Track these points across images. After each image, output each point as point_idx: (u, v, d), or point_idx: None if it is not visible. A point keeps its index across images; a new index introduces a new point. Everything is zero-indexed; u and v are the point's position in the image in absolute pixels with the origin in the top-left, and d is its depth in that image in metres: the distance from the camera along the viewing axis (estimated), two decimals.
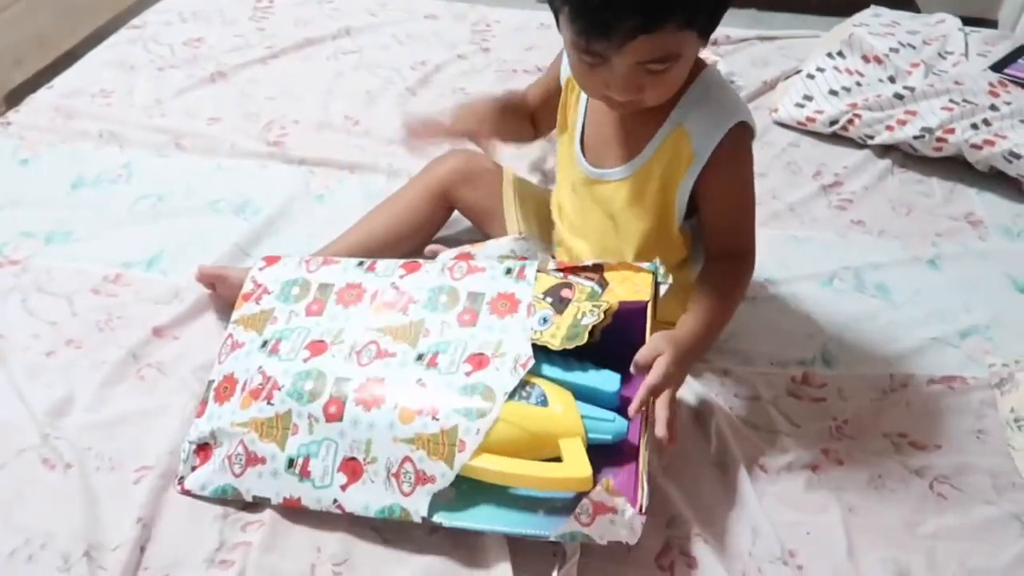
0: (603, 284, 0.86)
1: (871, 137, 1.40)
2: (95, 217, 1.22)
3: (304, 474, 0.80)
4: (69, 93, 1.50)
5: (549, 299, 0.85)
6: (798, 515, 0.86)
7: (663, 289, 0.85)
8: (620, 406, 0.81)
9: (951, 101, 1.35)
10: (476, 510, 0.77)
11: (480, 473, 0.76)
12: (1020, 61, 1.46)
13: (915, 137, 1.34)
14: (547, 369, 0.82)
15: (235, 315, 0.96)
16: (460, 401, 0.78)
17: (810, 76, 1.47)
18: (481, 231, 1.13)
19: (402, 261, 0.94)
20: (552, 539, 0.74)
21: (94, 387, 0.95)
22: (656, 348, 0.79)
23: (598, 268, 0.88)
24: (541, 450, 0.77)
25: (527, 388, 0.79)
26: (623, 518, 0.71)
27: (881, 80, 1.43)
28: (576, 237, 1.02)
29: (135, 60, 1.61)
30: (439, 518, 0.76)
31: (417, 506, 0.76)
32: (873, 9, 1.64)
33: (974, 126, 1.31)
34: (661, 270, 0.85)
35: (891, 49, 1.46)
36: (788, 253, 1.19)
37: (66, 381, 0.96)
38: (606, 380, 0.83)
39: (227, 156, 1.35)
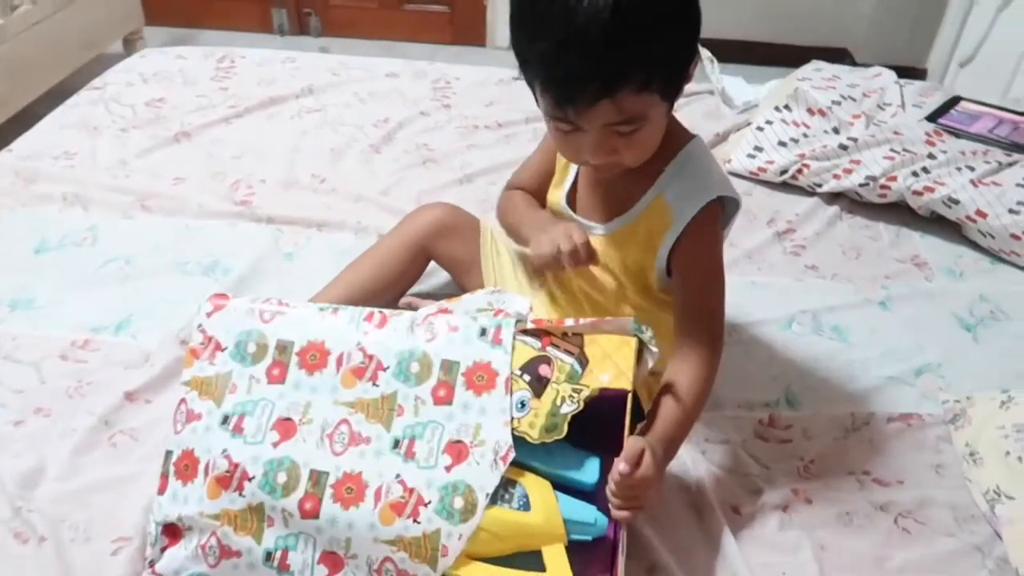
0: (583, 361, 0.81)
1: (819, 185, 1.47)
2: (60, 281, 1.21)
3: (283, 567, 0.78)
4: (29, 155, 1.50)
5: (527, 377, 0.80)
6: (773, 556, 0.88)
7: (649, 360, 0.82)
8: (598, 489, 0.80)
9: (892, 150, 1.43)
10: None
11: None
12: (952, 112, 1.55)
13: (860, 185, 1.42)
14: (526, 454, 0.78)
15: (186, 374, 0.86)
16: (441, 502, 0.76)
17: (760, 128, 1.54)
18: (458, 283, 1.16)
19: (367, 311, 0.86)
20: None
21: (65, 456, 0.94)
22: (640, 461, 0.77)
23: (578, 337, 0.82)
24: (522, 549, 0.77)
25: (509, 489, 0.77)
26: None
27: (826, 131, 1.51)
28: (559, 287, 1.05)
29: (97, 121, 1.62)
30: None
31: None
32: (814, 64, 1.73)
33: (915, 173, 1.39)
34: (648, 334, 0.81)
35: (833, 102, 1.55)
36: (748, 299, 1.24)
37: (36, 451, 0.94)
38: (586, 470, 0.81)
39: (194, 216, 1.36)
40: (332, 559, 0.77)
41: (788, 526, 0.92)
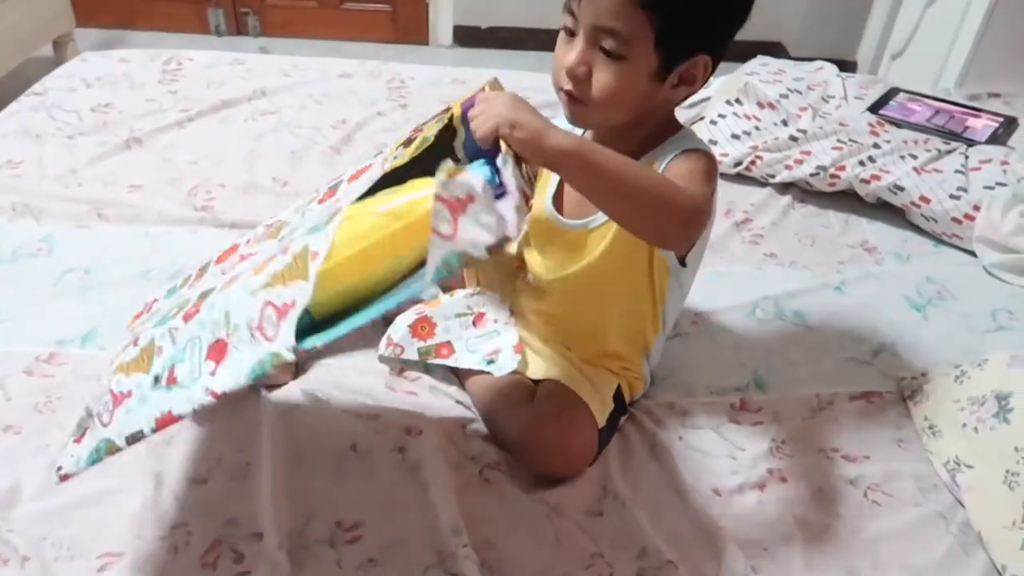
0: (446, 111, 0.84)
1: (772, 176, 1.52)
2: (18, 295, 1.17)
3: (171, 382, 0.72)
4: None
5: (401, 148, 0.82)
6: (755, 533, 0.92)
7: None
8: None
9: (839, 141, 1.49)
10: (345, 321, 0.69)
11: (340, 270, 0.69)
12: (891, 103, 1.63)
13: (811, 175, 1.48)
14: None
15: (112, 369, 0.82)
16: (310, 231, 0.73)
17: (713, 122, 1.58)
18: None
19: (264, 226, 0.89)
20: (431, 283, 0.64)
21: (40, 473, 0.91)
22: (488, 103, 0.78)
23: (444, 111, 0.84)
24: (400, 251, 0.70)
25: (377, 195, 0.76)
26: (485, 203, 0.63)
27: (776, 124, 1.56)
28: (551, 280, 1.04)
29: (41, 128, 1.56)
30: (311, 342, 0.68)
31: (284, 342, 0.67)
32: (760, 59, 1.79)
33: (861, 163, 1.46)
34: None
35: (781, 95, 1.60)
36: (713, 287, 1.27)
37: (9, 470, 0.91)
38: (474, 170, 0.72)
39: (154, 224, 1.33)
40: (216, 347, 0.71)
41: (766, 504, 0.95)
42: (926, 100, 1.65)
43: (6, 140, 1.52)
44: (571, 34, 0.87)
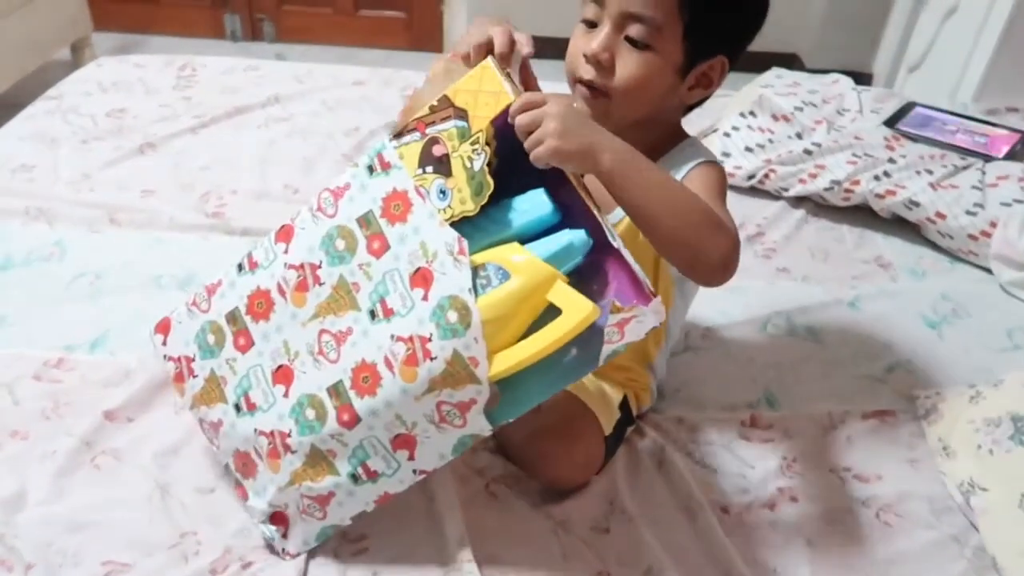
0: (462, 115, 0.77)
1: (786, 189, 1.51)
2: (29, 299, 1.17)
3: (372, 476, 0.80)
4: None
5: (430, 168, 0.77)
6: (764, 554, 0.90)
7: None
8: (563, 214, 0.78)
9: (854, 155, 1.48)
10: (523, 393, 0.76)
11: (506, 373, 0.74)
12: (907, 117, 1.61)
13: (825, 189, 1.46)
14: (477, 237, 0.76)
15: (186, 401, 0.91)
16: (439, 327, 0.74)
17: (726, 134, 1.57)
18: None
19: (273, 234, 0.86)
20: (601, 364, 0.74)
21: (47, 479, 0.91)
22: (539, 110, 0.74)
23: (444, 99, 0.78)
24: (535, 314, 0.75)
25: (482, 274, 0.75)
26: (645, 315, 0.71)
27: (790, 137, 1.55)
28: None
29: (56, 133, 1.57)
30: (501, 418, 0.77)
31: (479, 427, 0.76)
32: (775, 71, 1.78)
33: (876, 178, 1.44)
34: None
35: (796, 108, 1.59)
36: (724, 301, 1.26)
37: (16, 475, 0.91)
38: (535, 204, 0.78)
39: (166, 229, 1.33)
40: (402, 440, 0.78)
41: (777, 524, 0.94)
42: (943, 114, 1.64)
43: (21, 144, 1.53)
44: (591, 25, 0.87)
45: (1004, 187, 1.41)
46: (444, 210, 0.76)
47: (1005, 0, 2.04)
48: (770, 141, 1.55)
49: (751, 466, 1.01)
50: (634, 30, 0.83)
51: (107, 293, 1.19)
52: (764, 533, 0.93)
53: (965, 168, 1.46)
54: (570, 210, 0.77)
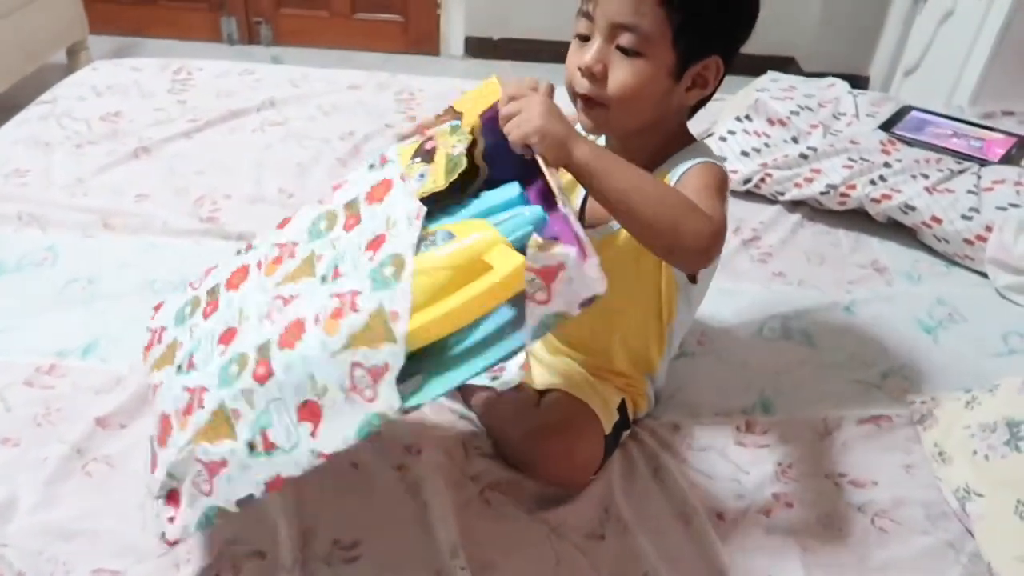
0: (458, 116, 0.83)
1: (781, 194, 1.51)
2: (21, 305, 1.17)
3: (269, 447, 0.72)
4: None
5: (418, 159, 0.81)
6: (759, 560, 0.90)
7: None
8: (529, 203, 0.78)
9: (850, 159, 1.48)
10: (445, 376, 0.71)
11: (426, 332, 0.69)
12: (903, 121, 1.61)
13: (821, 193, 1.46)
14: (446, 220, 0.78)
15: (146, 368, 0.90)
16: (373, 281, 0.72)
17: (723, 139, 1.57)
18: None
19: (277, 226, 0.90)
20: (529, 343, 0.68)
21: (38, 487, 0.90)
22: (524, 100, 0.77)
23: (449, 110, 0.85)
24: (472, 279, 0.71)
25: (430, 239, 0.74)
26: (575, 269, 0.65)
27: (786, 141, 1.55)
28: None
29: (49, 137, 1.56)
30: (415, 400, 0.70)
31: (389, 402, 0.69)
32: (770, 75, 1.78)
33: (872, 182, 1.44)
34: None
35: (792, 112, 1.59)
36: (719, 306, 1.26)
37: (6, 483, 0.91)
38: (504, 192, 0.79)
39: (159, 234, 1.33)
40: (309, 409, 0.72)
41: (772, 530, 0.94)
42: (938, 118, 1.64)
43: (15, 148, 1.53)
44: (585, 39, 0.88)
45: (1000, 191, 1.40)
46: (417, 190, 0.79)
47: (1001, 4, 2.04)
48: (766, 145, 1.55)
49: (746, 472, 1.01)
50: (624, 39, 0.84)
51: (100, 299, 1.19)
52: (759, 539, 0.92)
53: (961, 172, 1.46)
54: (540, 203, 0.77)
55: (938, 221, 1.38)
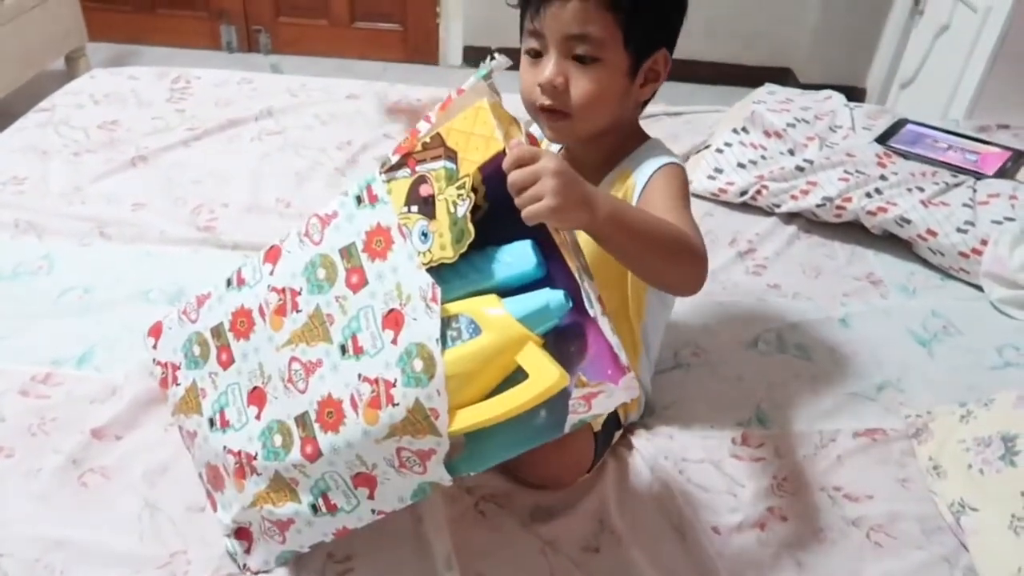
0: (452, 155, 0.76)
1: (778, 206, 1.51)
2: (16, 313, 1.17)
3: (331, 509, 0.79)
4: None
5: (415, 208, 0.77)
6: (753, 574, 0.90)
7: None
8: (547, 269, 0.78)
9: (846, 172, 1.48)
10: (488, 449, 0.76)
11: (466, 429, 0.73)
12: (899, 134, 1.62)
13: (817, 205, 1.47)
14: (457, 284, 0.76)
15: (169, 408, 0.94)
16: (404, 374, 0.73)
17: (719, 151, 1.58)
18: None
19: (262, 254, 0.87)
20: (568, 432, 0.73)
21: (33, 498, 0.91)
22: (536, 166, 0.72)
23: (437, 137, 0.77)
24: (504, 372, 0.74)
25: (454, 325, 0.74)
26: (614, 392, 0.70)
27: (782, 153, 1.56)
28: None
29: (47, 145, 1.57)
30: (463, 470, 0.76)
31: (439, 476, 0.75)
32: (767, 87, 1.78)
33: (868, 195, 1.44)
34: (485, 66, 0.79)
35: (788, 124, 1.60)
36: (714, 319, 1.26)
37: (1, 493, 0.91)
38: (519, 257, 0.77)
39: (156, 243, 1.33)
40: (363, 478, 0.77)
41: (766, 544, 0.94)
42: (934, 131, 1.64)
43: (12, 156, 1.53)
44: (536, 55, 0.91)
45: (995, 205, 1.41)
46: (424, 253, 0.75)
47: (996, 18, 2.05)
48: (762, 157, 1.55)
49: (741, 485, 1.01)
50: (580, 49, 0.88)
51: (95, 308, 1.19)
52: (754, 553, 0.92)
53: (956, 186, 1.46)
54: (554, 264, 0.77)
55: (933, 234, 1.39)
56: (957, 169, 1.52)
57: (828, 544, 0.94)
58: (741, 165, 1.55)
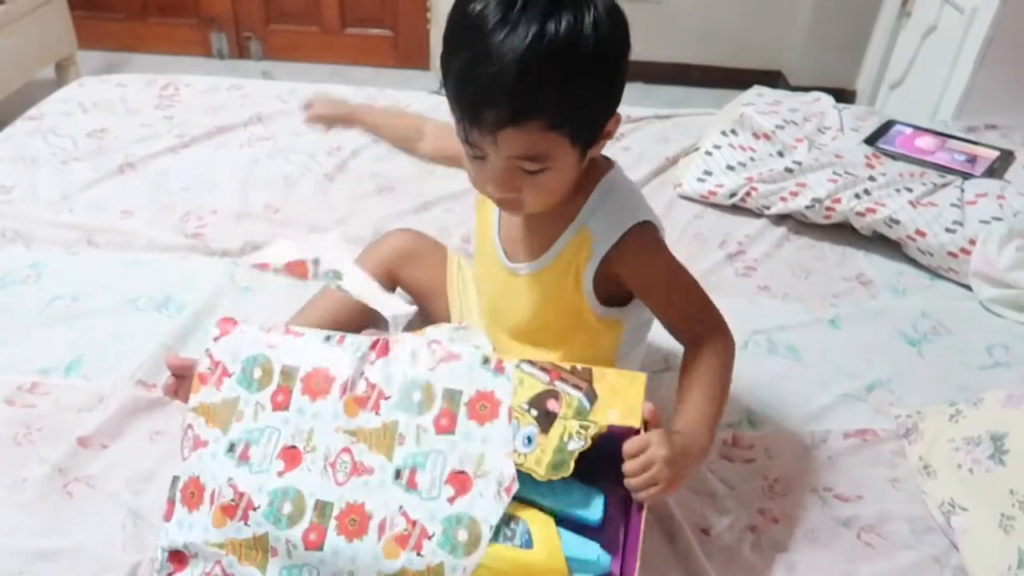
0: (592, 396, 0.79)
1: (767, 207, 1.52)
2: (4, 322, 1.16)
3: None
4: None
5: (534, 412, 0.78)
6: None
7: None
8: (604, 524, 0.81)
9: (835, 173, 1.48)
10: None
11: None
12: (887, 135, 1.63)
13: (807, 207, 1.47)
14: (527, 488, 0.77)
15: (193, 400, 0.85)
16: (444, 534, 0.75)
17: (708, 153, 1.58)
18: (424, 310, 1.14)
19: (372, 339, 0.84)
20: None
21: (17, 508, 0.90)
22: (648, 455, 0.76)
23: (587, 373, 0.80)
24: None
25: (511, 525, 0.75)
26: None
27: (771, 155, 1.56)
28: (495, 324, 1.03)
29: (35, 153, 1.56)
30: None
31: None
32: (756, 89, 1.79)
33: (857, 196, 1.45)
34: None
35: (777, 126, 1.60)
36: None
37: None
38: (591, 507, 0.80)
39: (144, 251, 1.32)
40: None
41: (757, 546, 0.93)
42: (922, 132, 1.65)
43: (1, 164, 1.52)
44: (479, 157, 0.83)
45: (983, 205, 1.41)
46: (520, 453, 0.77)
47: (983, 19, 2.06)
48: (751, 159, 1.55)
49: (732, 487, 1.01)
50: (527, 165, 0.80)
51: (83, 316, 1.18)
52: (745, 555, 0.92)
53: (944, 186, 1.47)
54: (610, 521, 0.80)
55: (922, 234, 1.39)
56: (945, 169, 1.52)
57: (819, 545, 0.94)
58: (730, 167, 1.55)
